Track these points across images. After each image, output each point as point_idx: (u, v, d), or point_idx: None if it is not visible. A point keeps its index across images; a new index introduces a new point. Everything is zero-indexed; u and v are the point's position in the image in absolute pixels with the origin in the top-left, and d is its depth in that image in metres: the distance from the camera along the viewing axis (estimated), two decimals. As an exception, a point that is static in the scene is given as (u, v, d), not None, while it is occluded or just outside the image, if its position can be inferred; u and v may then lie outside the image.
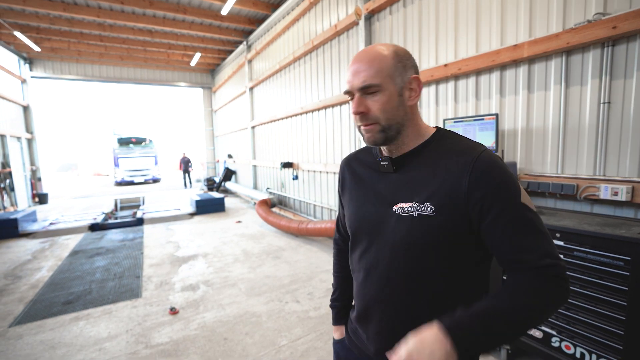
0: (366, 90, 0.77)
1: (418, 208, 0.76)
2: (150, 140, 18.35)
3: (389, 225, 0.80)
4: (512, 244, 0.69)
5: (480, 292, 0.80)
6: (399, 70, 0.77)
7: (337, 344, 1.06)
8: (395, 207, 0.79)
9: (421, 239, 0.75)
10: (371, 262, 0.84)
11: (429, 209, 0.74)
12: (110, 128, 18.17)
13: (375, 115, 0.77)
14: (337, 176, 5.40)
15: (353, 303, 1.06)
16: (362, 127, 0.81)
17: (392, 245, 0.79)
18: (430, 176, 0.77)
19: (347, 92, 0.80)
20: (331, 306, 1.13)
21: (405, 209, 0.77)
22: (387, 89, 0.76)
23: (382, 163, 0.85)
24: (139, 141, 17.95)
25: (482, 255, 0.79)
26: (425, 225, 0.74)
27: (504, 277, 0.74)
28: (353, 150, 5.46)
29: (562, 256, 1.88)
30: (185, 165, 14.11)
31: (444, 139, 0.82)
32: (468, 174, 0.72)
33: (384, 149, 0.87)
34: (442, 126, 3.25)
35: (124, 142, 17.43)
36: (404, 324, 0.79)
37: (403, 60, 0.78)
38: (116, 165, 16.54)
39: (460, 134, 0.85)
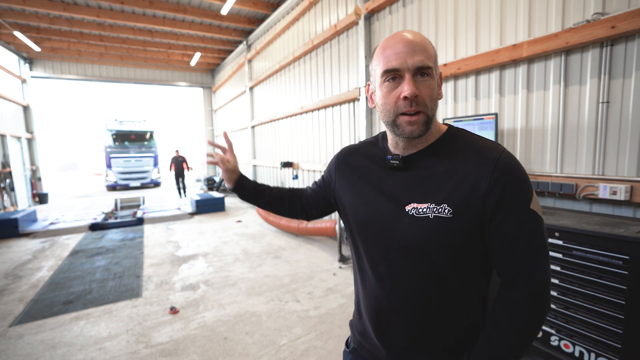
0: (420, 72, 0.71)
1: (434, 209, 0.72)
2: (151, 136, 14.92)
3: (401, 227, 0.76)
4: (512, 251, 0.71)
5: (482, 300, 0.81)
6: (437, 62, 0.76)
7: (348, 354, 0.99)
8: (408, 208, 0.75)
9: (437, 241, 0.72)
10: (381, 264, 0.80)
11: (446, 210, 0.71)
12: (103, 122, 14.51)
13: (424, 102, 0.71)
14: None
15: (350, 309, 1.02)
16: (403, 117, 0.73)
17: (406, 247, 0.75)
18: (446, 176, 0.74)
19: (389, 71, 0.72)
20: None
21: (420, 210, 0.74)
22: (434, 77, 0.73)
23: (392, 162, 0.80)
24: (138, 136, 14.53)
25: (484, 266, 0.79)
26: (441, 227, 0.71)
27: (498, 294, 0.77)
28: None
29: (561, 255, 1.89)
30: (179, 166, 10.82)
31: (458, 138, 0.79)
32: (489, 174, 0.70)
33: (396, 144, 0.81)
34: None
35: (120, 137, 14.17)
36: (418, 325, 0.79)
37: (437, 55, 0.77)
38: (108, 166, 13.63)
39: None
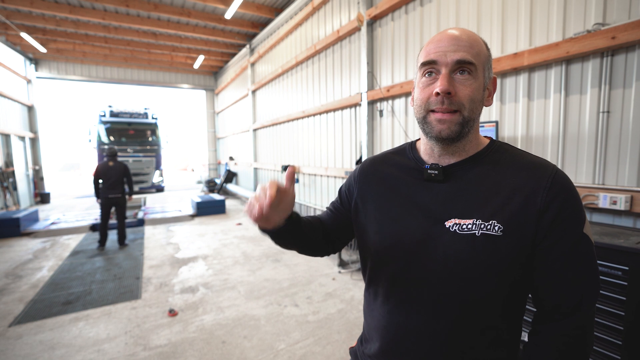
0: (460, 68, 0.65)
1: (482, 226, 0.64)
2: (154, 131, 12.29)
3: (439, 244, 0.67)
4: (559, 277, 0.64)
5: (515, 336, 0.73)
6: (488, 64, 0.69)
7: None
8: (448, 223, 0.67)
9: (485, 261, 0.64)
10: (412, 287, 0.71)
11: (495, 227, 0.64)
12: (96, 114, 11.93)
13: (460, 102, 0.65)
14: (337, 180, 5.43)
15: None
16: (435, 115, 0.67)
17: (446, 268, 0.67)
18: (493, 189, 0.67)
19: (426, 64, 0.67)
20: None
21: (464, 226, 0.66)
22: (479, 78, 0.67)
23: (429, 172, 0.72)
24: (138, 131, 12.00)
25: (521, 296, 0.71)
26: (490, 245, 0.63)
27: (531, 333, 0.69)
28: (354, 155, 5.29)
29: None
30: (114, 183, 4.87)
31: (503, 151, 0.72)
32: (546, 191, 0.63)
33: (432, 151, 0.74)
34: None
35: (115, 132, 11.63)
36: (449, 358, 0.69)
37: (491, 57, 0.70)
38: None
39: None
